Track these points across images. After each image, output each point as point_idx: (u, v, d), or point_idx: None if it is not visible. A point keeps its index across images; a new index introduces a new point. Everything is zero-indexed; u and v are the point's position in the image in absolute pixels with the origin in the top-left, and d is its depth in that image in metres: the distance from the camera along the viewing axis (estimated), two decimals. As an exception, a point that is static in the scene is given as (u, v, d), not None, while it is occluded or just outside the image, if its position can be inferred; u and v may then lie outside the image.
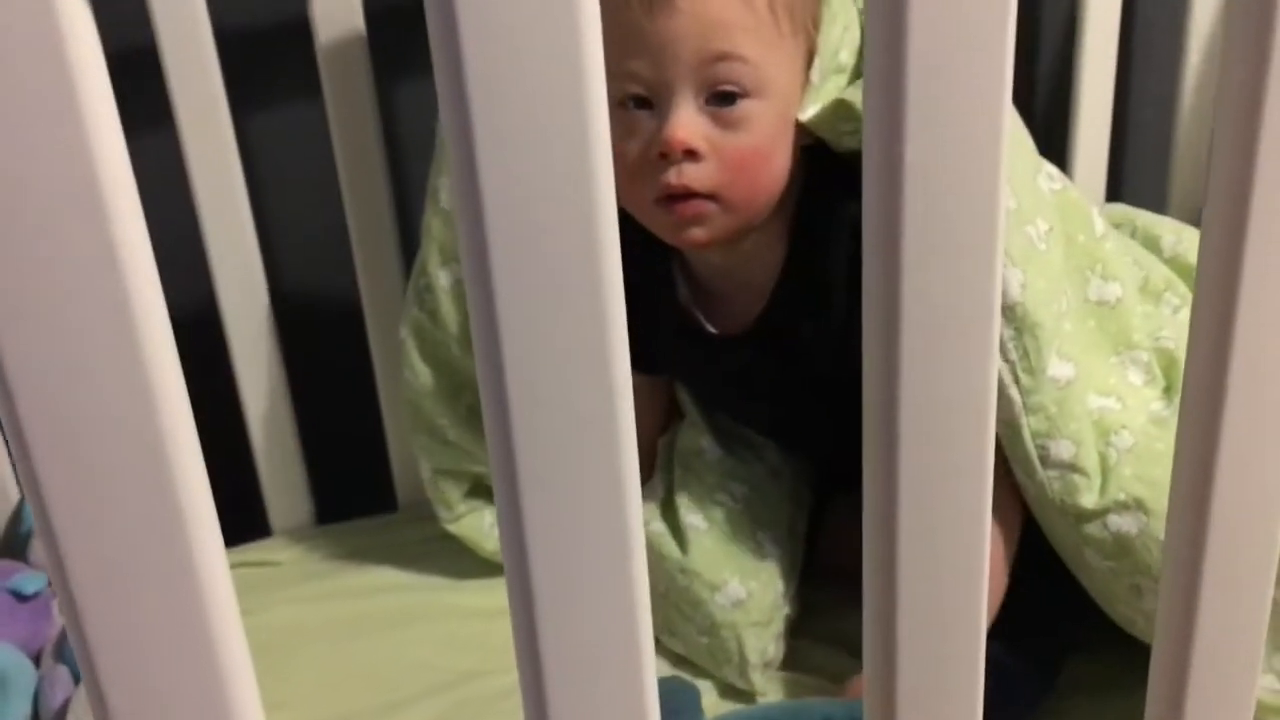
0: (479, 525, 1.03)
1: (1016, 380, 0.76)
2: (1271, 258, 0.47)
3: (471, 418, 0.98)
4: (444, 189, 0.94)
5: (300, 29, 0.98)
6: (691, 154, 0.76)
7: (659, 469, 0.99)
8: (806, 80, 0.79)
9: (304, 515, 1.12)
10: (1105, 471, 0.79)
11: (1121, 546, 0.78)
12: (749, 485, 0.96)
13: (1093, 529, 0.78)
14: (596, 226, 0.38)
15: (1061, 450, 0.77)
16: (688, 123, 0.76)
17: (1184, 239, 0.97)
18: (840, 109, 0.78)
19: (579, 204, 0.38)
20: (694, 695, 0.84)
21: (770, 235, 0.83)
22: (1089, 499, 0.78)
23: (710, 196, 0.78)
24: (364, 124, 1.01)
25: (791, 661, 0.92)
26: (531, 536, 0.42)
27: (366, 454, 1.13)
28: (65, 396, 0.37)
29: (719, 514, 0.93)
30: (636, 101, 0.77)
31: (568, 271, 0.38)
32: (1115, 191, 1.25)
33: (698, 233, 0.79)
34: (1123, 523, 0.77)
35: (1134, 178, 1.30)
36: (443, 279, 0.96)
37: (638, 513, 0.43)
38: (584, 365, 0.40)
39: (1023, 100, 1.26)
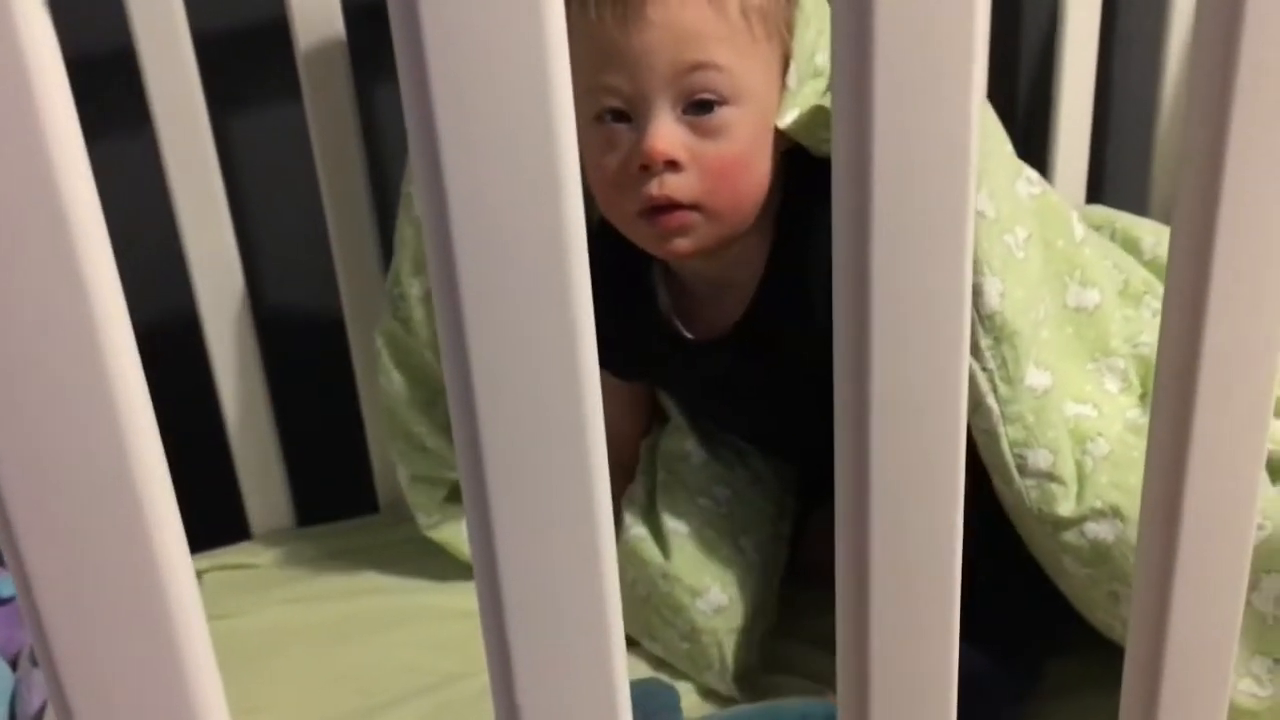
0: (458, 530, 1.03)
1: (994, 389, 0.76)
2: (1241, 257, 0.47)
3: (448, 424, 0.97)
4: (417, 196, 0.94)
5: (280, 33, 0.98)
6: (672, 164, 0.76)
7: (641, 472, 0.99)
8: (783, 85, 0.79)
9: (284, 517, 1.11)
10: (1082, 479, 0.79)
11: (1099, 554, 0.78)
12: (732, 490, 0.96)
13: (1070, 537, 0.78)
14: (564, 233, 0.38)
15: (1039, 459, 0.77)
16: (667, 133, 0.76)
17: (1164, 240, 0.97)
18: (819, 115, 0.78)
19: (546, 211, 0.37)
20: (673, 696, 0.84)
21: (753, 240, 0.83)
22: (1066, 507, 0.78)
23: (693, 206, 0.78)
24: (344, 128, 1.00)
25: (772, 662, 0.92)
26: (501, 542, 0.42)
27: (347, 455, 1.12)
28: (27, 403, 0.37)
29: (702, 519, 0.93)
30: (614, 115, 0.77)
31: (535, 277, 0.38)
32: (1096, 192, 1.25)
33: (682, 243, 0.79)
34: (1100, 530, 0.78)
35: (1115, 179, 1.31)
36: (415, 288, 0.96)
37: (608, 516, 0.43)
38: (553, 372, 0.40)
39: (1003, 101, 1.27)
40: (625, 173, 0.77)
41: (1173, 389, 0.50)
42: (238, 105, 1.10)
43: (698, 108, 0.76)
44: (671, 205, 0.77)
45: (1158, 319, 0.87)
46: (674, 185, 0.77)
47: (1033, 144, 1.20)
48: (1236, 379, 0.49)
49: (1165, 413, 0.51)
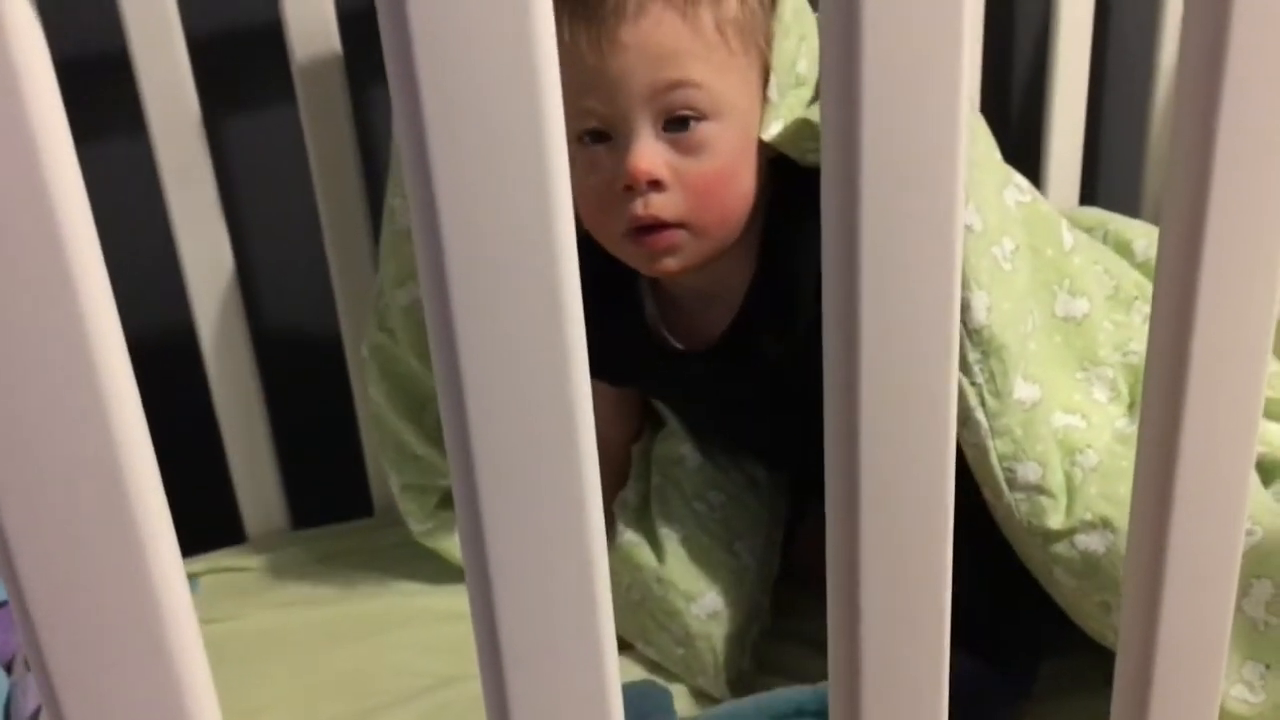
0: (450, 537, 1.03)
1: (983, 403, 0.75)
2: (1229, 259, 0.47)
3: (437, 432, 0.98)
4: (399, 209, 0.94)
5: (275, 39, 0.98)
6: (656, 184, 0.76)
7: (635, 477, 0.99)
8: (765, 97, 0.79)
9: (279, 520, 1.11)
10: (1071, 491, 0.78)
11: (1090, 565, 0.78)
12: (727, 494, 0.96)
13: (1061, 549, 0.78)
14: (554, 245, 0.38)
15: (1028, 472, 0.77)
16: (649, 153, 0.75)
17: (1156, 243, 0.97)
18: (804, 128, 0.78)
19: (537, 223, 0.38)
20: (666, 698, 0.85)
21: (739, 251, 0.82)
22: (1056, 520, 0.78)
23: (679, 224, 0.77)
24: (340, 137, 1.00)
25: (765, 664, 0.93)
26: (493, 548, 0.42)
27: (341, 458, 1.12)
28: (19, 410, 0.37)
29: (696, 523, 0.93)
30: (594, 136, 0.77)
31: (526, 288, 0.38)
32: (1089, 194, 1.25)
33: (670, 262, 0.79)
34: (1090, 542, 0.77)
35: (1108, 180, 1.31)
36: (400, 298, 0.96)
37: (599, 521, 0.43)
38: (543, 380, 0.40)
39: (997, 103, 1.27)
40: (609, 194, 0.77)
41: (1162, 390, 0.50)
42: (232, 111, 1.10)
43: (678, 125, 0.75)
44: (658, 225, 0.77)
45: (1148, 324, 0.87)
46: (659, 204, 0.76)
47: (1027, 145, 1.20)
48: (1225, 380, 0.49)
49: (1154, 414, 0.51)
